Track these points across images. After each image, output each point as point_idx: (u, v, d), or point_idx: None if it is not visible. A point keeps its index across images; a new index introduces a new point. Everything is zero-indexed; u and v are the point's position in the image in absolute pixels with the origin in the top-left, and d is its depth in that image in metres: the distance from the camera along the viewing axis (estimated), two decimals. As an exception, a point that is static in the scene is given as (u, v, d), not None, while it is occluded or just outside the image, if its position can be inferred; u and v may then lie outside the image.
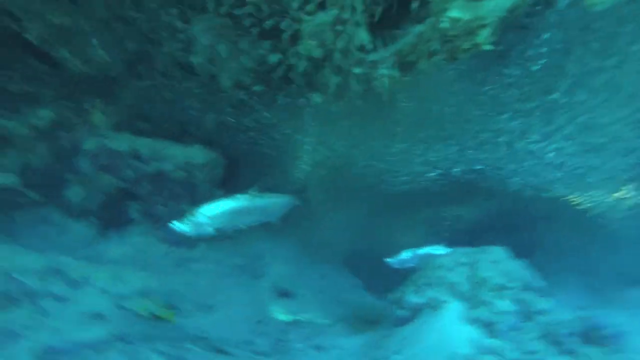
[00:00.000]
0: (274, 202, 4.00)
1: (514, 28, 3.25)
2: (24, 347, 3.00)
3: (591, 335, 2.84)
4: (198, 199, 5.37)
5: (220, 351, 3.60)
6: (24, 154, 5.04)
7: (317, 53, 3.05)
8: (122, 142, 5.03)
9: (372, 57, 3.22)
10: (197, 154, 5.18)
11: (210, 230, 3.69)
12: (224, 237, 4.37)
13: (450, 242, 4.71)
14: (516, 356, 2.82)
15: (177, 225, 3.59)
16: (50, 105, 4.94)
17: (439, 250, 4.67)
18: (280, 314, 5.11)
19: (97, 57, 4.44)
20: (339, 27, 2.97)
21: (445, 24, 2.58)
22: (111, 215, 5.34)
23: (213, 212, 3.63)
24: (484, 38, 2.69)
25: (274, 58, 3.99)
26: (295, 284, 5.66)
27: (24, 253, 3.94)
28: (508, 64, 3.93)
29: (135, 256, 4.99)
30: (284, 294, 5.47)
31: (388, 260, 4.66)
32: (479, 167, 5.38)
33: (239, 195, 3.77)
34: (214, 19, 3.57)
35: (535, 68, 3.94)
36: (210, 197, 5.53)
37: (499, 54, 3.63)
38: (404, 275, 4.26)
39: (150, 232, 5.30)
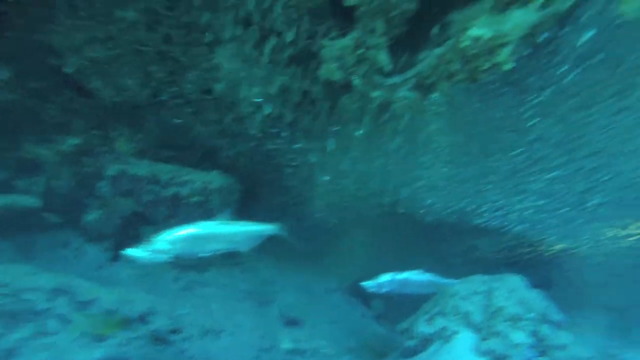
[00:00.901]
0: (244, 231, 3.71)
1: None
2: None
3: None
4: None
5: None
6: (50, 179, 5.27)
7: (337, 76, 3.17)
8: (143, 168, 5.21)
9: (392, 80, 3.33)
10: (214, 179, 5.30)
11: (166, 257, 3.43)
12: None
13: (430, 269, 4.66)
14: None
15: (130, 252, 3.35)
16: (80, 134, 5.20)
17: (418, 275, 4.58)
18: (286, 342, 4.98)
19: (126, 86, 4.72)
20: (360, 51, 3.09)
21: (466, 43, 2.63)
22: (125, 239, 5.42)
23: (172, 238, 3.38)
24: (504, 57, 2.69)
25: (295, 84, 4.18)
26: (304, 312, 5.55)
27: (36, 273, 4.00)
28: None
29: (143, 279, 5.01)
30: (292, 322, 5.36)
31: (365, 284, 4.49)
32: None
33: (204, 222, 3.52)
34: (238, 46, 3.78)
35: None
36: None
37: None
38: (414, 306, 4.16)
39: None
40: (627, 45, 3.19)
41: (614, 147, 4.39)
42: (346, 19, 3.19)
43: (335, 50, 3.04)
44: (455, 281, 4.96)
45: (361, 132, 4.51)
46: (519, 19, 2.37)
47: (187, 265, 5.30)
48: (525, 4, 2.24)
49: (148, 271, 5.27)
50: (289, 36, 3.32)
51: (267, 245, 7.12)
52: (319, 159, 5.26)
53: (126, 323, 3.86)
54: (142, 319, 4.16)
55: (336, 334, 5.36)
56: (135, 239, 5.45)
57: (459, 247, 6.45)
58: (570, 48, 4.03)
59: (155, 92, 4.51)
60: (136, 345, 3.78)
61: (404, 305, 4.93)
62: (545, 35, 2.78)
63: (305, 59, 3.71)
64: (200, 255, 3.54)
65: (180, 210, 5.20)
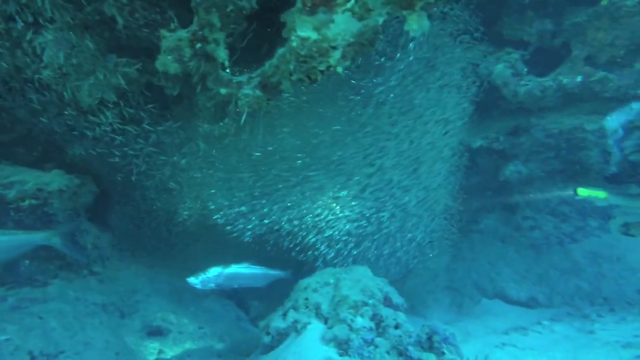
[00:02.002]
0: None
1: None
2: None
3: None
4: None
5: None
6: None
7: (173, 69, 3.00)
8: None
9: (238, 78, 3.29)
10: (53, 179, 4.61)
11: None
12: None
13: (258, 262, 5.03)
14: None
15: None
16: None
17: (246, 269, 4.84)
18: (148, 353, 4.64)
19: None
20: (198, 45, 2.98)
21: (295, 43, 2.71)
22: None
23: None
24: (335, 60, 2.85)
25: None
26: (171, 320, 5.22)
27: None
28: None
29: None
30: (155, 332, 5.00)
31: (190, 279, 4.53)
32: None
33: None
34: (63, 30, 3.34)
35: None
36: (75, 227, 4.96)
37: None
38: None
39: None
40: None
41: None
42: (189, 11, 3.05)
43: (172, 42, 2.87)
44: (284, 272, 5.16)
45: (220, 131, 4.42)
46: (341, 26, 2.55)
47: (19, 280, 4.53)
48: (333, 9, 2.40)
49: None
50: (120, 21, 3.04)
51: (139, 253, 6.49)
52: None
53: None
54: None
55: (205, 340, 5.17)
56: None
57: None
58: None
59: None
60: None
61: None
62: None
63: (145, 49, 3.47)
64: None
65: (8, 217, 4.41)
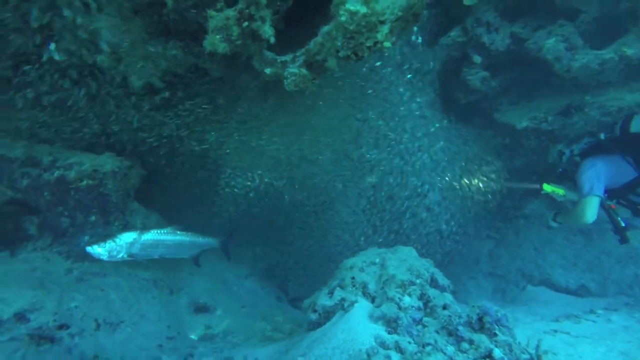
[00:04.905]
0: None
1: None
2: None
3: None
4: (110, 211, 5.01)
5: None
6: None
7: (222, 49, 3.03)
8: (16, 150, 4.56)
9: (283, 58, 3.29)
10: (106, 161, 4.84)
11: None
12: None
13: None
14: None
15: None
16: None
17: (170, 235, 3.98)
18: (195, 328, 4.84)
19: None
20: (245, 23, 2.99)
21: (344, 17, 2.67)
22: (2, 232, 4.76)
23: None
24: (383, 35, 2.80)
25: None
26: (215, 298, 5.41)
27: None
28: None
29: (28, 275, 4.46)
30: (201, 309, 5.20)
31: (92, 248, 3.62)
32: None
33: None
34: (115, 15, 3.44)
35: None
36: (123, 210, 5.22)
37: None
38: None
39: (49, 248, 4.80)
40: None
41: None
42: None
43: (220, 21, 2.90)
44: (215, 240, 4.37)
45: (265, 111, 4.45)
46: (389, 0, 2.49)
47: (81, 254, 4.83)
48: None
49: (35, 266, 4.71)
50: (169, 3, 3.09)
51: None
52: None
53: None
54: (21, 317, 3.72)
55: (248, 318, 5.32)
56: (17, 231, 4.85)
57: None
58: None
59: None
60: (8, 349, 3.35)
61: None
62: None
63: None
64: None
65: (69, 196, 4.68)
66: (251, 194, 5.71)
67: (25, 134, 4.63)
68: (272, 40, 3.01)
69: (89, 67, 4.04)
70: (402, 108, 5.75)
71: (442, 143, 6.05)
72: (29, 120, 4.56)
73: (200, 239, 4.24)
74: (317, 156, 5.52)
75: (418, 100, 5.86)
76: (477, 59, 5.64)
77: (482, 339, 2.89)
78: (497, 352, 2.72)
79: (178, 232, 4.04)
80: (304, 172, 5.71)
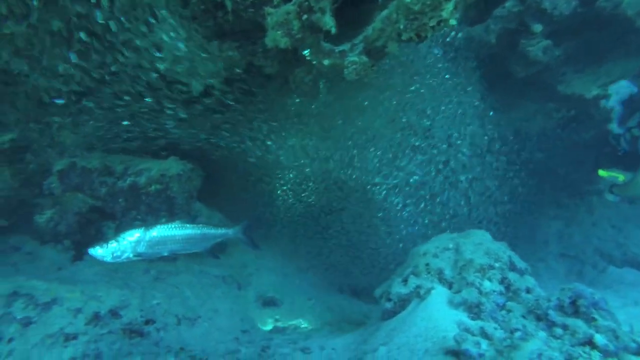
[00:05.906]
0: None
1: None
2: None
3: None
4: (176, 212, 5.25)
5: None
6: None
7: (283, 43, 3.04)
8: (93, 160, 4.90)
9: (340, 47, 3.25)
10: (171, 165, 5.07)
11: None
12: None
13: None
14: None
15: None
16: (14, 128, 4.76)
17: (178, 230, 3.69)
18: (266, 321, 4.97)
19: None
20: (305, 16, 2.98)
21: None
22: (85, 237, 5.14)
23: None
24: (448, 13, 2.71)
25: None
26: (281, 292, 5.54)
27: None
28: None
29: (111, 275, 4.79)
30: (269, 302, 5.34)
31: (94, 251, 3.33)
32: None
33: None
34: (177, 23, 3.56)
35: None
36: (188, 210, 5.47)
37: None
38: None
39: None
40: None
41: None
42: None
43: (280, 16, 2.90)
44: (230, 230, 3.99)
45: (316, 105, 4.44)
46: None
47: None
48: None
49: (116, 267, 5.05)
50: (229, 5, 3.14)
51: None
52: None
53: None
54: (114, 313, 4.01)
55: (315, 310, 5.39)
56: (97, 236, 5.22)
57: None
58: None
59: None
60: (108, 340, 3.63)
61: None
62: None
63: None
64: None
65: (140, 201, 4.97)
66: (305, 191, 5.77)
67: (99, 146, 4.95)
68: (334, 30, 2.97)
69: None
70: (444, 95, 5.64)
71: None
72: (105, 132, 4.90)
73: (212, 231, 3.90)
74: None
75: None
76: (538, 27, 5.26)
77: (579, 324, 2.70)
78: (599, 338, 2.52)
79: (187, 225, 3.72)
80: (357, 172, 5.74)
